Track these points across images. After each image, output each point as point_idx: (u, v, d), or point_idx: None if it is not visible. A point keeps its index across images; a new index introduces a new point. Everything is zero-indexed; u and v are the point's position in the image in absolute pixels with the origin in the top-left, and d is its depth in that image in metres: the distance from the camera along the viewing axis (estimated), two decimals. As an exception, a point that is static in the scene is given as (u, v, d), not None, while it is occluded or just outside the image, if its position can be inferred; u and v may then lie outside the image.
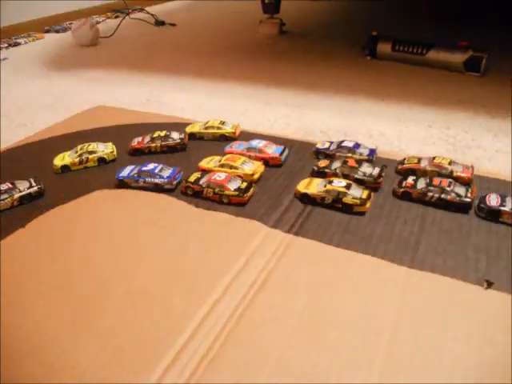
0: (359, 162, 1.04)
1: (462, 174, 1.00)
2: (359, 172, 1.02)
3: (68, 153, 1.15)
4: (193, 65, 2.06)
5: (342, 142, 1.13)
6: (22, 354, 0.66)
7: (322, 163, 1.07)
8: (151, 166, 1.05)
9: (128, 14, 3.09)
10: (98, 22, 2.76)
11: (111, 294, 0.75)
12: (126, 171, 1.06)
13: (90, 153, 1.14)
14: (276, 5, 2.47)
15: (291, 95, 1.64)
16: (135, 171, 1.05)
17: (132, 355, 0.64)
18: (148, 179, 1.03)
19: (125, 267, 0.81)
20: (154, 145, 1.20)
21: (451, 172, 1.00)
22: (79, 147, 1.15)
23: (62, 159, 1.14)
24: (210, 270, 0.79)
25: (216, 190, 0.97)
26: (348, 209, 0.93)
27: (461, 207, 0.92)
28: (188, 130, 1.29)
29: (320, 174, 1.05)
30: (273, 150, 1.13)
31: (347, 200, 0.93)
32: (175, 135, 1.21)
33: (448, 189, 0.92)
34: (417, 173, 1.02)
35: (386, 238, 0.85)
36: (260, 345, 0.65)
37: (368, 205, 0.93)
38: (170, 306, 0.72)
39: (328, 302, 0.72)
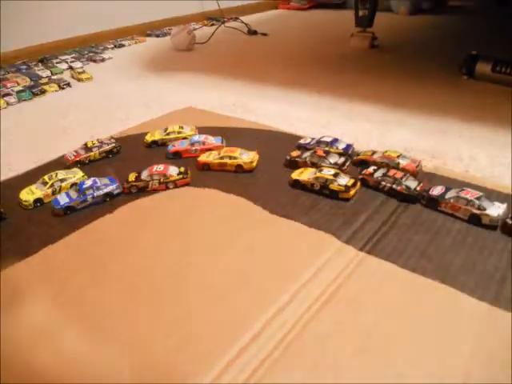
0: (327, 152, 1.17)
1: (407, 167, 1.10)
2: (326, 161, 1.14)
3: (33, 186, 1.09)
4: (280, 74, 2.09)
5: (322, 137, 1.25)
6: (97, 329, 0.71)
7: (294, 153, 1.19)
8: (88, 181, 1.06)
9: (223, 22, 3.23)
10: (194, 29, 2.91)
11: (182, 286, 0.79)
12: (64, 198, 1.03)
13: (62, 181, 1.10)
14: (369, 18, 2.43)
15: (376, 111, 1.60)
16: (74, 194, 1.03)
17: (196, 346, 0.67)
18: (96, 193, 1.04)
19: (198, 262, 0.85)
20: (92, 153, 1.24)
21: (398, 164, 1.11)
22: (46, 178, 1.10)
23: (32, 193, 1.06)
24: (278, 276, 0.80)
25: (161, 180, 1.07)
26: (334, 195, 1.02)
27: (408, 198, 1.00)
28: (148, 138, 1.33)
29: (292, 162, 1.17)
30: (214, 141, 1.26)
31: (333, 186, 1.02)
32: (107, 141, 1.29)
33: (400, 180, 1.02)
34: (368, 163, 1.14)
35: (467, 269, 0.80)
36: (321, 359, 0.64)
37: (352, 192, 1.02)
38: (235, 306, 0.74)
39: (396, 327, 0.69)
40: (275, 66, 2.24)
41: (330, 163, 1.14)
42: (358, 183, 1.05)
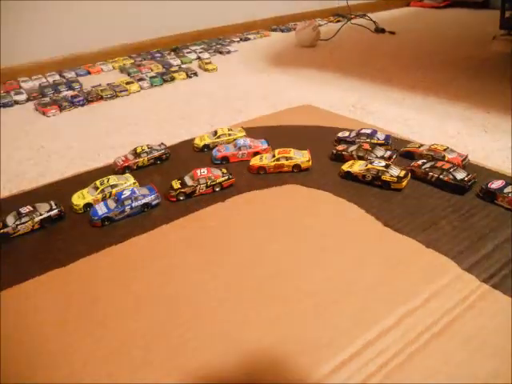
0: (373, 146, 1.18)
1: (453, 160, 1.10)
2: (372, 154, 1.15)
3: (85, 190, 1.08)
4: (406, 76, 1.96)
5: (361, 129, 1.27)
6: (195, 320, 0.73)
7: (340, 147, 1.21)
8: (127, 191, 1.02)
9: (350, 19, 3.14)
10: (320, 25, 2.87)
11: (283, 287, 0.77)
12: (102, 208, 1.00)
13: (112, 186, 1.08)
14: (519, 20, 2.15)
15: (518, 125, 1.41)
16: (112, 204, 1.01)
17: (289, 353, 0.64)
18: (134, 203, 1.00)
19: (303, 265, 0.83)
20: (141, 159, 1.22)
21: (443, 156, 1.12)
22: (98, 183, 1.08)
23: (83, 197, 1.06)
24: (385, 295, 0.74)
25: (208, 183, 1.07)
26: (386, 185, 1.03)
27: (455, 188, 1.01)
28: (199, 142, 1.31)
29: (338, 156, 1.18)
30: (260, 144, 1.25)
31: (386, 177, 1.03)
32: (156, 147, 1.26)
33: (447, 171, 1.02)
34: (415, 155, 1.16)
35: None
36: (426, 398, 0.58)
37: (404, 183, 1.03)
38: (335, 318, 0.70)
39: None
40: (402, 68, 2.11)
41: (377, 157, 1.14)
42: (409, 174, 1.05)
